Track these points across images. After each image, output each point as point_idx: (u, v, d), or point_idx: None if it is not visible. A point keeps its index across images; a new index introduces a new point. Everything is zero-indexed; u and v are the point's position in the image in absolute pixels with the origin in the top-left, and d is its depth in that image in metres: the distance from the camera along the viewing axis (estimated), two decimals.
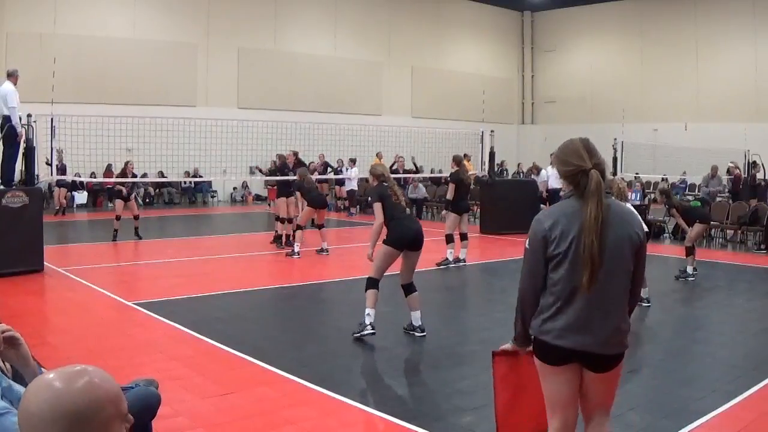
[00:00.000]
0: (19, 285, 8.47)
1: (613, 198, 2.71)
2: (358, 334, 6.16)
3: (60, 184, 17.33)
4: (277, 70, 24.53)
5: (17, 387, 2.10)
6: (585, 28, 30.44)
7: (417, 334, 6.34)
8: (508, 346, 2.95)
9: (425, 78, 28.84)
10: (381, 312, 7.88)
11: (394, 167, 16.12)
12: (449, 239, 10.59)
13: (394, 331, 6.87)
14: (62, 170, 15.28)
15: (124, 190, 12.99)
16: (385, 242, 6.31)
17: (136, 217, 13.03)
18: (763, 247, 12.70)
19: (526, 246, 2.74)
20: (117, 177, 13.48)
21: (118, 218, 12.79)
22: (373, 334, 6.13)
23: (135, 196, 13.80)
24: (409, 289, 6.37)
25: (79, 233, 12.98)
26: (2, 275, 8.70)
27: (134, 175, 13.44)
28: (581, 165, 2.66)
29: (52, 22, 20.52)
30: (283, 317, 7.58)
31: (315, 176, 17.03)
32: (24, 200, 9.29)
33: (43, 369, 2.40)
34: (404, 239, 6.25)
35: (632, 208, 2.95)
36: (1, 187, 9.47)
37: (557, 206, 2.77)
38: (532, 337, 2.75)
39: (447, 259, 10.53)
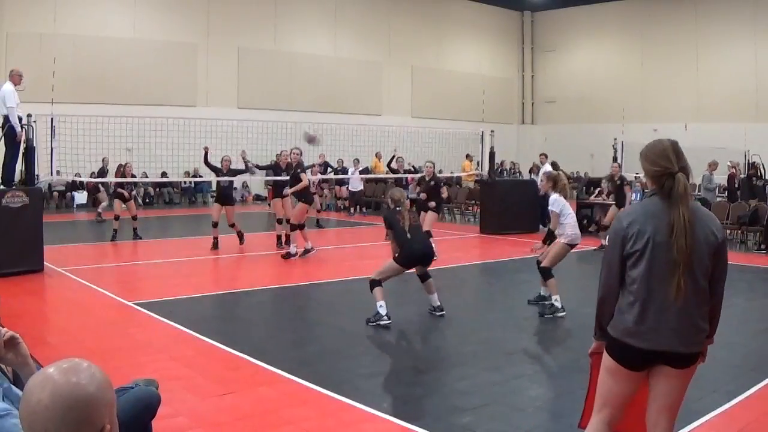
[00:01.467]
0: (19, 285, 8.47)
1: (693, 200, 2.75)
2: (374, 323, 6.62)
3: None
4: (277, 70, 24.53)
5: (17, 389, 2.10)
6: (585, 28, 30.44)
7: (437, 313, 7.04)
8: (594, 345, 2.98)
9: (425, 78, 28.84)
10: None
11: (393, 166, 16.03)
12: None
13: (394, 331, 6.88)
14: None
15: (126, 192, 12.99)
16: (395, 259, 6.78)
17: (134, 218, 13.03)
18: (763, 247, 12.69)
19: (606, 243, 2.81)
20: (116, 178, 13.46)
21: (117, 218, 12.79)
22: (389, 322, 6.61)
23: (135, 197, 13.79)
24: (423, 277, 7.08)
25: (79, 233, 12.97)
26: (2, 275, 8.70)
27: (133, 176, 13.43)
28: (668, 167, 2.69)
29: (52, 22, 20.52)
30: (283, 317, 7.57)
31: (317, 177, 17.08)
32: (24, 200, 9.29)
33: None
34: (412, 259, 6.86)
35: (710, 211, 2.99)
36: (1, 187, 9.47)
37: (638, 205, 2.85)
38: (613, 337, 2.76)
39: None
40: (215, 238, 11.88)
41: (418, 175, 21.02)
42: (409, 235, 6.80)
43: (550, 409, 4.57)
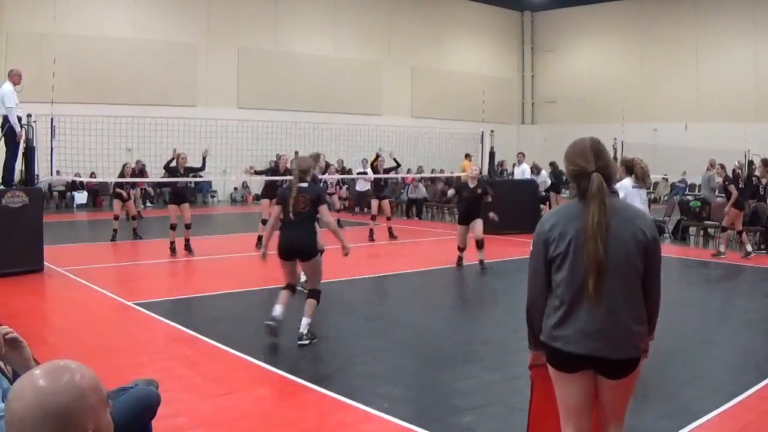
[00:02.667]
0: (19, 285, 8.47)
1: (619, 197, 2.69)
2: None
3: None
4: (277, 70, 24.53)
5: None
6: (585, 28, 30.44)
7: (299, 341, 5.90)
8: (531, 356, 2.88)
9: (425, 78, 28.84)
10: (380, 312, 7.89)
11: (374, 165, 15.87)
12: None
13: (394, 331, 6.87)
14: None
15: (124, 193, 12.98)
16: None
17: (133, 218, 13.03)
18: (763, 247, 12.68)
19: (531, 248, 2.74)
20: (117, 178, 13.44)
21: (116, 218, 12.79)
22: (272, 324, 5.93)
23: (134, 197, 13.77)
24: (309, 293, 6.09)
25: (79, 233, 12.97)
26: (2, 275, 8.70)
27: (136, 175, 13.31)
28: (584, 167, 2.63)
29: (52, 22, 20.52)
30: (283, 317, 7.56)
31: (335, 176, 17.08)
32: (24, 200, 9.29)
33: None
34: (280, 249, 6.03)
35: (641, 207, 2.91)
36: (1, 187, 9.47)
37: (560, 208, 2.79)
38: (544, 342, 2.69)
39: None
40: (172, 242, 11.17)
41: (419, 175, 21.12)
42: (292, 218, 5.90)
43: None
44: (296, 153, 22.78)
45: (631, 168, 6.89)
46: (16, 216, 9.17)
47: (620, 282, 2.54)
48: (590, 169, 2.61)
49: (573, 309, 2.57)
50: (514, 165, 18.50)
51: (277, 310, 6.02)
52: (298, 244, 5.95)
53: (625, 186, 6.73)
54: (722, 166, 10.22)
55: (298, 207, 5.93)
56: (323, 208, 6.01)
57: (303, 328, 5.88)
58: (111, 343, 6.04)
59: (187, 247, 11.09)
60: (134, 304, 7.49)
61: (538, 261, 2.67)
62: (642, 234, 2.59)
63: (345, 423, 4.29)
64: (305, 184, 5.99)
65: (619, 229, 2.56)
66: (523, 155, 16.66)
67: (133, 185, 13.75)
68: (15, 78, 9.76)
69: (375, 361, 5.65)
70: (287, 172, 12.08)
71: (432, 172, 21.34)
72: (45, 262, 9.57)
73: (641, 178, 6.82)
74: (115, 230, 12.66)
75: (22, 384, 1.33)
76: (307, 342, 5.86)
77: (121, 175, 13.19)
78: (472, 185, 10.31)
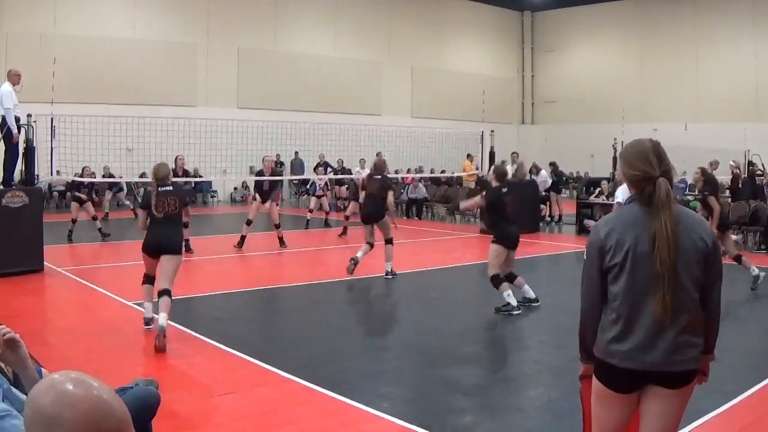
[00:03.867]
0: (19, 285, 8.47)
1: (677, 205, 2.50)
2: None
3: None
4: (277, 70, 24.53)
5: (17, 391, 2.10)
6: (585, 28, 30.45)
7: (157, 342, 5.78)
8: (582, 368, 2.72)
9: (425, 78, 28.84)
10: (380, 312, 7.89)
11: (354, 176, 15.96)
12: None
13: (394, 331, 6.88)
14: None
15: (82, 195, 12.98)
16: None
17: (94, 218, 13.05)
18: (763, 247, 12.69)
19: (584, 256, 2.57)
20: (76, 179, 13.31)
21: (74, 221, 12.84)
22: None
23: (93, 199, 13.69)
24: (164, 292, 6.10)
25: (79, 233, 12.96)
26: (2, 275, 8.70)
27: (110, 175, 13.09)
28: (649, 171, 2.47)
29: (52, 22, 20.52)
30: (283, 317, 7.57)
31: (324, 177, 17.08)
32: (24, 200, 9.29)
33: (43, 369, 2.40)
34: (147, 245, 6.32)
35: (699, 215, 2.74)
36: (1, 187, 9.47)
37: (617, 214, 2.61)
38: (597, 358, 2.54)
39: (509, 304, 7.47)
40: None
41: (418, 175, 21.10)
42: (161, 218, 6.21)
43: (550, 409, 4.57)
44: (296, 153, 22.91)
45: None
46: (16, 216, 9.17)
47: (683, 293, 2.41)
48: (655, 174, 2.47)
49: (631, 323, 2.43)
50: (503, 162, 18.45)
51: (149, 309, 6.40)
52: (166, 242, 6.22)
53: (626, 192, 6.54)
54: (703, 171, 8.78)
55: (167, 208, 6.25)
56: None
57: (162, 321, 5.83)
58: (111, 343, 6.04)
59: (187, 248, 11.09)
60: (134, 304, 7.48)
61: (592, 270, 2.51)
62: (702, 243, 2.45)
63: (345, 423, 4.29)
64: (169, 188, 6.36)
65: (683, 238, 2.42)
66: (517, 154, 16.66)
67: (92, 188, 13.71)
68: (14, 78, 9.74)
69: (375, 361, 5.65)
70: (274, 173, 12.27)
71: (432, 173, 21.33)
72: (45, 262, 9.56)
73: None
74: (70, 231, 12.67)
75: (68, 392, 1.24)
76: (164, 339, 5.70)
77: (80, 176, 13.14)
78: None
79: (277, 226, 12.18)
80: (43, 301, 8.20)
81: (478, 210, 10.08)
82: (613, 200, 13.49)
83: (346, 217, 14.48)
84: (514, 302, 7.24)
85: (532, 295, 7.58)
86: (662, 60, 27.78)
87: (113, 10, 21.58)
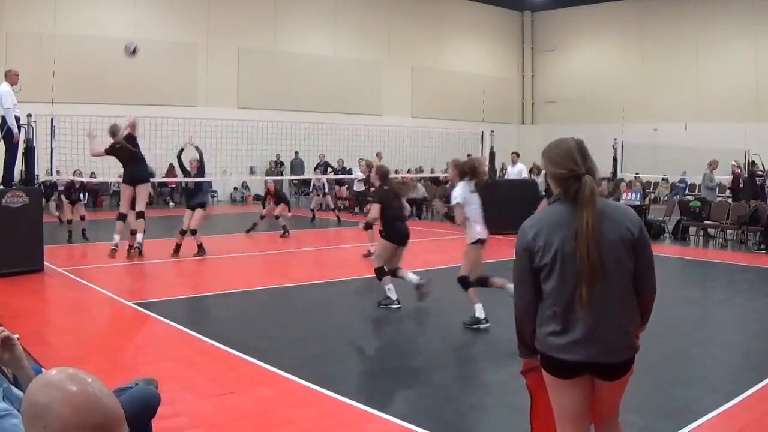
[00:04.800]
0: (19, 285, 8.47)
1: (601, 200, 2.55)
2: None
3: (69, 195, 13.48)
4: (277, 70, 24.53)
5: (17, 390, 2.09)
6: (585, 28, 30.45)
7: None
8: (523, 363, 2.80)
9: (425, 78, 28.85)
10: (380, 312, 7.88)
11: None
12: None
13: (394, 331, 6.88)
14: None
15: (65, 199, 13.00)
16: None
17: (82, 218, 13.02)
18: (763, 247, 12.69)
19: (514, 257, 2.64)
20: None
21: (69, 222, 12.81)
22: None
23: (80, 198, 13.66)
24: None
25: (79, 233, 12.96)
26: (2, 275, 8.70)
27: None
28: (574, 169, 2.52)
29: (51, 22, 20.53)
30: (283, 317, 7.57)
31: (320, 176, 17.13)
32: (24, 200, 9.29)
33: (43, 369, 2.40)
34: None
35: (624, 204, 2.79)
36: (1, 187, 9.46)
37: (542, 214, 2.65)
38: (539, 351, 2.63)
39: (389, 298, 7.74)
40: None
41: (418, 175, 21.08)
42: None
43: None
44: (296, 153, 22.93)
45: (468, 172, 6.67)
46: (16, 216, 9.17)
47: (613, 287, 2.48)
48: (581, 171, 2.51)
49: (567, 318, 2.50)
50: (503, 164, 18.49)
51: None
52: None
53: (463, 190, 6.57)
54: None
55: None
56: None
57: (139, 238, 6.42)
58: (111, 343, 6.04)
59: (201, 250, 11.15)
60: (134, 304, 7.49)
61: (523, 271, 2.58)
62: (629, 232, 2.52)
63: (345, 423, 4.29)
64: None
65: (608, 232, 2.49)
66: (518, 155, 16.66)
67: (82, 190, 13.76)
68: (12, 78, 9.74)
69: (375, 361, 5.65)
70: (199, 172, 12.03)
71: (432, 172, 21.33)
72: (45, 262, 9.56)
73: (479, 181, 6.72)
74: (69, 232, 12.67)
75: (60, 386, 1.29)
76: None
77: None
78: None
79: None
80: (43, 301, 8.20)
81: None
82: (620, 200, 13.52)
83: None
84: (394, 296, 7.54)
85: (394, 296, 7.59)
86: (662, 60, 27.79)
87: (113, 10, 21.58)
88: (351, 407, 4.49)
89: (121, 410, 1.35)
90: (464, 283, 6.83)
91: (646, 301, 2.61)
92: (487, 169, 7.13)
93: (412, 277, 7.60)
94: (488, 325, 6.66)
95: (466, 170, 6.72)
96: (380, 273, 7.62)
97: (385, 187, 7.94)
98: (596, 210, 2.46)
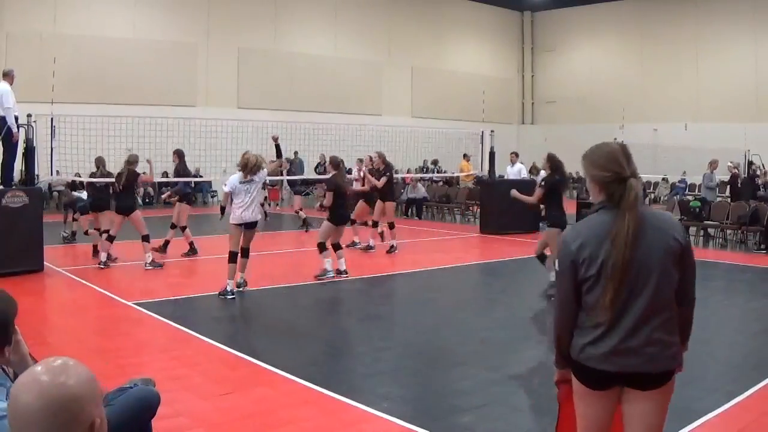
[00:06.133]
0: (19, 285, 8.45)
1: (646, 205, 2.48)
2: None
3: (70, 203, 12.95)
4: (277, 70, 24.53)
5: None
6: (585, 28, 30.46)
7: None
8: (558, 374, 2.73)
9: (425, 78, 28.85)
10: (380, 312, 7.89)
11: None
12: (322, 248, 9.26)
13: (394, 331, 6.88)
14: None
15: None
16: None
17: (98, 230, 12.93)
18: (763, 247, 12.69)
19: (556, 268, 2.56)
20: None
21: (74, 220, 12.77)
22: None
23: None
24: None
25: (79, 233, 12.96)
26: (2, 275, 8.69)
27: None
28: (620, 172, 2.43)
29: (52, 21, 20.52)
30: (283, 317, 7.57)
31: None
32: (24, 200, 9.29)
33: None
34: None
35: (669, 213, 2.70)
36: (1, 187, 9.46)
37: (585, 223, 2.55)
38: (573, 359, 2.54)
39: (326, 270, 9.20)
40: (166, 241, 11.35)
41: (418, 175, 21.08)
42: None
43: (550, 409, 4.55)
44: (296, 153, 22.93)
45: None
46: (16, 216, 9.17)
47: (654, 295, 2.39)
48: (625, 174, 2.43)
49: (608, 329, 2.42)
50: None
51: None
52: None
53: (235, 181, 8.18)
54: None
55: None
56: None
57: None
58: (111, 343, 6.04)
59: (192, 249, 11.19)
60: (134, 304, 7.49)
61: (567, 284, 2.48)
62: (675, 242, 2.43)
63: (345, 423, 4.29)
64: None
65: (653, 240, 2.41)
66: (517, 155, 16.66)
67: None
68: (12, 78, 9.75)
69: (375, 361, 5.65)
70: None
71: (431, 172, 21.33)
72: (45, 262, 9.56)
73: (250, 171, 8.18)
74: (73, 232, 12.59)
75: (30, 378, 1.36)
76: None
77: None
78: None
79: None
80: (43, 301, 8.20)
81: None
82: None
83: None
84: (330, 268, 9.03)
85: (343, 267, 9.23)
86: (662, 60, 27.79)
87: (113, 10, 21.57)
88: (351, 407, 4.49)
89: (96, 395, 1.40)
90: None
91: (686, 311, 2.54)
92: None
93: (328, 263, 9.05)
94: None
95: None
96: (322, 247, 9.05)
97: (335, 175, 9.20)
98: (638, 215, 2.39)
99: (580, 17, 30.40)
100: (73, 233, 12.54)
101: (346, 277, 9.12)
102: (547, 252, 8.07)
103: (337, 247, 9.33)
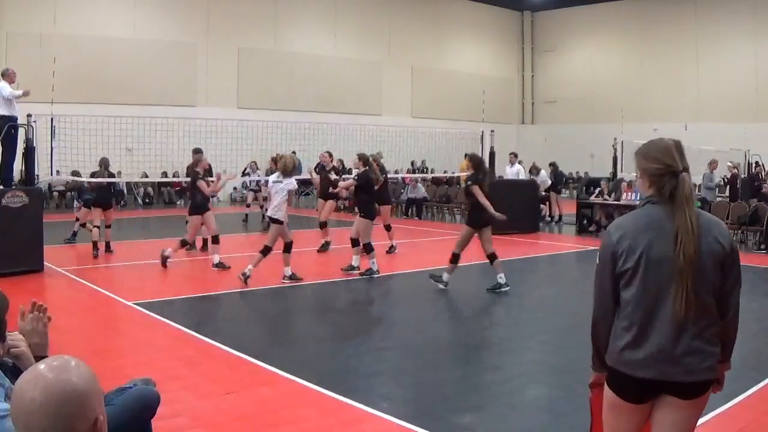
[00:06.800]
0: (19, 285, 8.46)
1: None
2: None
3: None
4: (277, 70, 24.53)
5: None
6: (585, 28, 30.46)
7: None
8: (593, 377, 2.63)
9: (425, 78, 28.85)
10: (380, 312, 7.89)
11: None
12: (369, 248, 9.54)
13: (394, 331, 6.88)
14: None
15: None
16: None
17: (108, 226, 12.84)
18: (763, 247, 12.69)
19: (597, 261, 2.47)
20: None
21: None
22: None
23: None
24: None
25: (79, 233, 12.96)
26: (2, 275, 8.68)
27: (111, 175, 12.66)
28: (672, 165, 2.36)
29: (52, 21, 20.53)
30: (283, 317, 7.57)
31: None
32: (24, 200, 9.28)
33: None
34: None
35: (712, 215, 2.63)
36: (1, 187, 9.47)
37: (630, 215, 2.47)
38: (609, 365, 2.45)
39: (370, 269, 9.53)
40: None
41: (418, 175, 21.08)
42: None
43: (550, 409, 4.57)
44: (294, 153, 22.92)
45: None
46: (16, 216, 9.17)
47: (697, 298, 2.28)
48: (678, 168, 2.36)
49: (644, 330, 2.33)
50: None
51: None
52: None
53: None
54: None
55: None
56: None
57: None
58: (111, 343, 6.04)
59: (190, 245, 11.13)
60: (134, 304, 7.49)
61: (605, 276, 2.41)
62: (719, 245, 2.33)
63: (345, 423, 4.29)
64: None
65: (702, 238, 2.32)
66: (516, 156, 16.66)
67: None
68: (11, 77, 9.79)
69: (375, 361, 5.65)
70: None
71: (432, 172, 21.33)
72: (45, 262, 9.56)
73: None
74: (74, 233, 12.48)
75: (33, 375, 1.37)
76: None
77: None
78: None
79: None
80: (43, 301, 8.15)
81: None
82: (610, 200, 13.53)
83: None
84: (376, 267, 9.49)
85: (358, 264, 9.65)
86: (662, 60, 27.78)
87: (113, 10, 21.58)
88: (351, 407, 4.49)
89: (98, 391, 1.42)
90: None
91: (729, 323, 2.41)
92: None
93: (373, 262, 9.49)
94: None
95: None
96: (369, 248, 9.43)
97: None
98: (696, 210, 2.32)
99: (580, 17, 30.40)
100: (74, 234, 12.50)
101: (348, 277, 9.10)
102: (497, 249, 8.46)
103: (355, 243, 9.66)
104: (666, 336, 2.31)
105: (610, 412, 2.47)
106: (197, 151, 10.63)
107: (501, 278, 8.39)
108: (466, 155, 20.21)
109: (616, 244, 2.37)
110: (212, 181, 11.36)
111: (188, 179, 12.15)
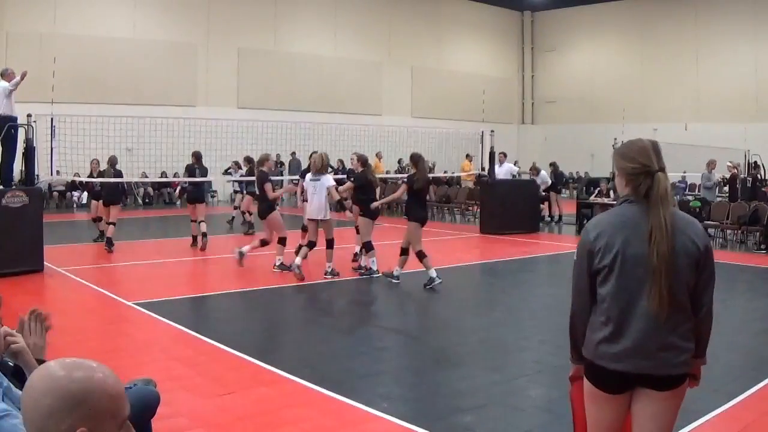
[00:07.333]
0: (19, 285, 8.46)
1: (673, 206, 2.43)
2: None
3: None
4: (277, 70, 24.52)
5: (17, 389, 2.10)
6: (585, 28, 30.45)
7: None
8: (573, 369, 2.73)
9: (425, 78, 28.84)
10: (380, 312, 7.89)
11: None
12: (369, 247, 9.54)
13: (394, 331, 6.88)
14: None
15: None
16: None
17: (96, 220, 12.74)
18: (763, 247, 12.69)
19: (574, 257, 2.54)
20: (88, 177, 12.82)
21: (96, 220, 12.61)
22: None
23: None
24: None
25: (79, 233, 12.96)
26: (2, 275, 8.69)
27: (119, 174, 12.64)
28: (648, 165, 2.41)
29: (52, 21, 20.52)
30: (283, 317, 7.57)
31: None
32: (24, 200, 9.29)
33: None
34: None
35: (691, 216, 2.65)
36: (1, 187, 9.47)
37: (607, 214, 2.54)
38: (586, 358, 2.53)
39: (370, 268, 9.54)
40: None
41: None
42: None
43: (550, 409, 4.57)
44: (293, 153, 22.94)
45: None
46: (16, 216, 9.17)
47: (670, 296, 2.34)
48: (654, 167, 2.41)
49: (620, 326, 2.39)
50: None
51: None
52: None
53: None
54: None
55: None
56: None
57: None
58: (111, 343, 6.04)
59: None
60: (134, 304, 7.49)
61: (581, 273, 2.49)
62: (693, 245, 2.38)
63: (345, 423, 4.29)
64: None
65: (677, 238, 2.37)
66: (505, 155, 16.63)
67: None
68: (10, 77, 9.77)
69: (375, 361, 5.65)
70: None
71: (431, 172, 21.30)
72: (45, 262, 9.56)
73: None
74: (102, 232, 12.39)
75: (46, 372, 1.31)
76: None
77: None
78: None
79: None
80: (43, 301, 8.19)
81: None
82: (609, 200, 13.54)
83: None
84: (376, 267, 9.45)
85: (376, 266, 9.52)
86: (662, 60, 27.78)
87: (113, 10, 21.57)
88: (351, 407, 4.49)
89: (121, 391, 1.39)
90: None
91: (703, 320, 2.48)
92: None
93: (374, 262, 9.45)
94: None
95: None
96: (369, 246, 9.44)
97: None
98: (670, 210, 2.37)
99: (581, 17, 30.39)
100: (102, 233, 12.27)
101: (346, 277, 9.10)
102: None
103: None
104: (641, 331, 2.37)
105: (590, 404, 2.54)
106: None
107: (397, 270, 8.96)
108: (467, 155, 20.26)
109: (593, 242, 2.43)
110: (277, 186, 11.48)
111: (188, 179, 12.20)
